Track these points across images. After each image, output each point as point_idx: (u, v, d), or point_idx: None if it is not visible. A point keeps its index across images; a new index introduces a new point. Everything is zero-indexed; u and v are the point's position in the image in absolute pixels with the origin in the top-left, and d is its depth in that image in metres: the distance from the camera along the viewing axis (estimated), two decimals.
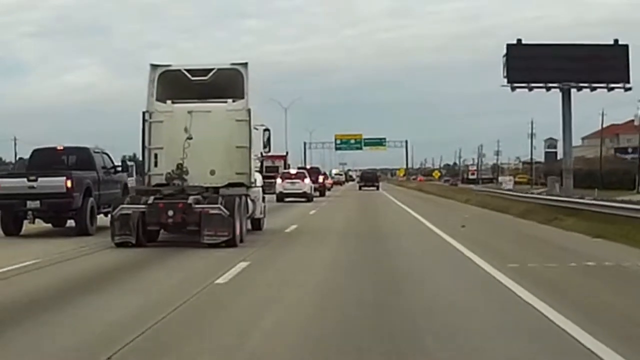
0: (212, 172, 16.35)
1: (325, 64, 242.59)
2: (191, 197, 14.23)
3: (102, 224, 18.16)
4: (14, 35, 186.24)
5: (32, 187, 17.43)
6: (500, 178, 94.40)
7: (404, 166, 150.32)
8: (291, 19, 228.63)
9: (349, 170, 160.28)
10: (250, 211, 17.11)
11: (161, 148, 16.51)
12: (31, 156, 20.01)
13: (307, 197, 42.05)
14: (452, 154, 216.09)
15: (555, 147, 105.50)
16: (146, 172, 16.58)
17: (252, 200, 17.41)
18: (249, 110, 16.48)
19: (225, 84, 16.87)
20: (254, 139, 17.27)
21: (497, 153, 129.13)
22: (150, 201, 14.27)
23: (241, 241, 15.04)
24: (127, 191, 20.28)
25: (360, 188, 72.45)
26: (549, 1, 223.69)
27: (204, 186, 15.80)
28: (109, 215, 15.37)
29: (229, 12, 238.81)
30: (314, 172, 52.84)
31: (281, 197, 41.82)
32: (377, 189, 70.01)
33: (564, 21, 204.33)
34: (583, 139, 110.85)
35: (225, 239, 13.92)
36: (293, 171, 46.77)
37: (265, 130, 18.40)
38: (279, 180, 43.46)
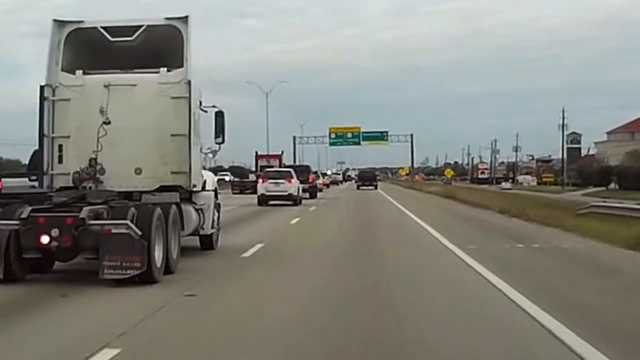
0: (138, 171, 12.34)
1: (324, 63, 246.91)
2: (86, 209, 10.08)
3: None
4: (13, 35, 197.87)
5: (34, 187, 17.46)
6: (521, 177, 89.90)
7: (407, 165, 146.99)
8: (291, 19, 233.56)
9: (347, 169, 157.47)
10: (194, 225, 13.06)
11: (67, 137, 12.51)
12: (32, 156, 19.79)
13: (293, 200, 37.97)
14: (453, 153, 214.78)
15: (579, 142, 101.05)
16: (46, 171, 12.50)
17: (198, 210, 13.36)
18: (189, 83, 12.44)
19: (157, 47, 12.89)
20: (198, 123, 13.27)
21: (516, 149, 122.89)
22: (24, 214, 10.09)
23: (171, 272, 10.96)
24: None
25: (358, 187, 75.05)
26: (548, 1, 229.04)
27: (116, 191, 11.80)
28: None
29: (228, 12, 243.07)
30: (302, 171, 48.83)
31: (264, 200, 37.82)
32: (376, 188, 73.40)
33: (563, 21, 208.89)
34: (608, 133, 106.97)
35: (136, 271, 9.80)
36: (277, 170, 42.72)
37: (217, 113, 14.32)
38: (260, 181, 39.47)
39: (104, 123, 12.22)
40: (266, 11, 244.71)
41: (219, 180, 17.66)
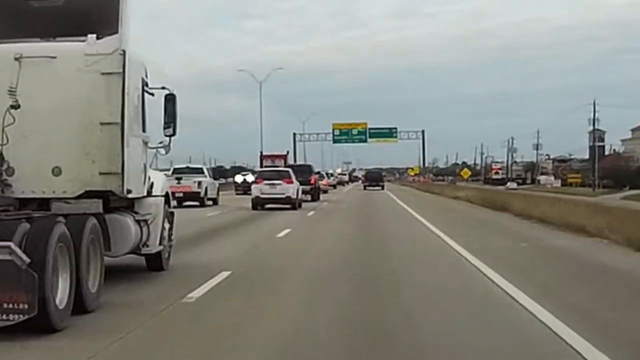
0: (57, 171, 9.48)
1: (327, 65, 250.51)
2: None
3: None
4: None
5: None
6: (542, 178, 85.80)
7: (416, 165, 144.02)
8: (293, 20, 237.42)
9: (353, 169, 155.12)
10: (132, 242, 10.18)
11: None
12: None
13: (291, 204, 35.07)
14: (462, 153, 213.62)
15: (602, 139, 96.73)
16: None
17: (140, 222, 10.49)
18: (124, 54, 9.54)
19: (85, 9, 10.02)
20: (140, 109, 10.45)
21: (537, 147, 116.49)
22: None
23: (87, 311, 8.08)
24: None
25: (365, 188, 76.89)
26: (549, 3, 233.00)
27: (16, 197, 8.99)
28: None
29: (230, 13, 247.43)
30: (303, 171, 46.07)
31: (258, 203, 34.96)
32: (382, 188, 75.08)
33: (564, 23, 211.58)
34: (632, 130, 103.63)
35: (22, 316, 6.88)
36: (274, 169, 39.85)
37: (167, 97, 11.40)
38: (255, 182, 36.55)
39: (12, 107, 9.38)
40: (269, 12, 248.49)
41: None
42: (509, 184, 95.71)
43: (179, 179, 35.95)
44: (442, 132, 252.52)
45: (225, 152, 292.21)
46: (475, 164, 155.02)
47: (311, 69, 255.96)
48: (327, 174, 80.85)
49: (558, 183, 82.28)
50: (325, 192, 59.78)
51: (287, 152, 73.77)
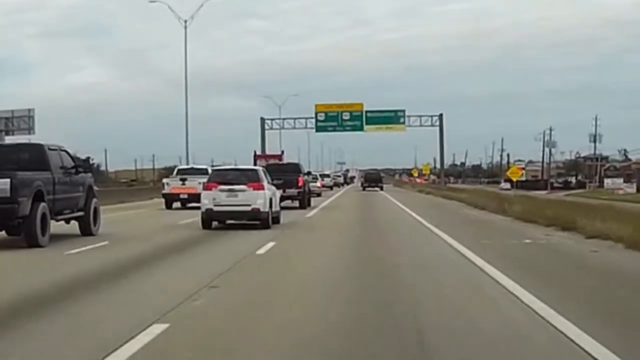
0: None
1: (329, 64, 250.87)
2: None
3: (62, 232, 19.00)
4: (18, 36, 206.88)
5: None
6: (609, 181, 71.54)
7: (421, 165, 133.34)
8: (296, 20, 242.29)
9: (347, 170, 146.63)
10: None
11: None
12: None
13: (260, 220, 23.34)
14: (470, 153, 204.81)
15: None
16: None
17: None
18: None
19: None
20: None
21: (595, 138, 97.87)
22: None
23: None
24: (92, 194, 20.79)
25: (364, 189, 78.58)
26: (554, 2, 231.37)
27: None
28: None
29: (235, 13, 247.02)
30: (289, 171, 37.39)
31: (211, 218, 23.38)
32: (381, 189, 76.88)
33: (569, 22, 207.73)
34: None
35: None
36: (236, 168, 28.09)
37: None
38: (207, 187, 24.55)
39: None
40: (272, 12, 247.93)
41: None
42: (502, 184, 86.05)
43: (183, 180, 36.60)
44: (449, 132, 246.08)
45: (219, 153, 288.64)
46: (490, 163, 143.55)
47: (314, 69, 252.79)
48: (321, 175, 70.80)
49: (633, 188, 66.40)
50: (319, 195, 53.74)
51: (282, 152, 68.69)
